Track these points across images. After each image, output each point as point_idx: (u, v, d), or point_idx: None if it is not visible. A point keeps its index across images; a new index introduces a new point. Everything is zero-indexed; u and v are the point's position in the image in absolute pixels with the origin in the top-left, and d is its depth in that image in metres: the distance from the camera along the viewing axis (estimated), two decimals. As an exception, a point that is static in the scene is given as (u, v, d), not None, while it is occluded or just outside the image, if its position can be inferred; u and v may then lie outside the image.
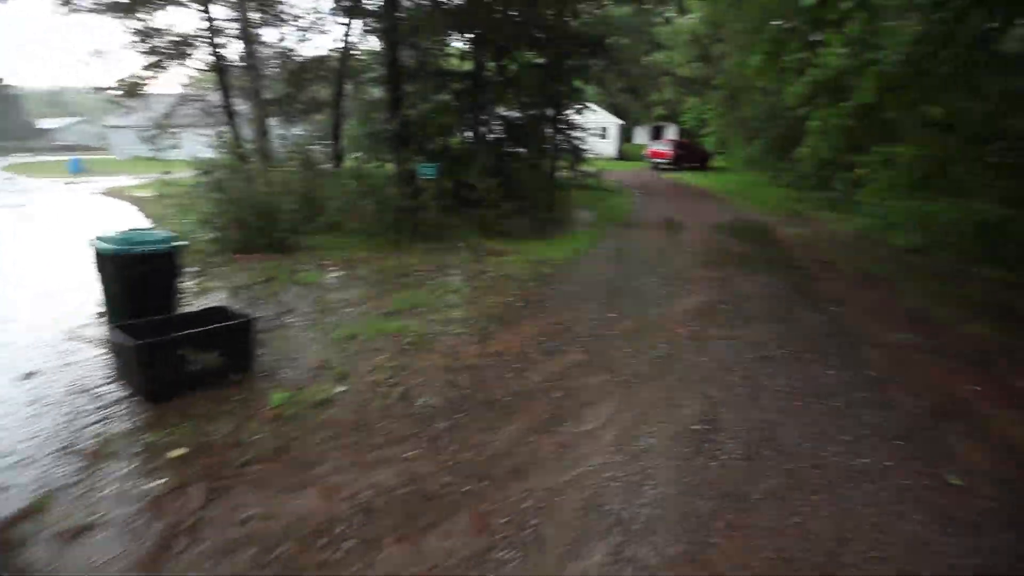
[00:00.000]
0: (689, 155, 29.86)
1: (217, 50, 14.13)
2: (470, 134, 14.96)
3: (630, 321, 5.95)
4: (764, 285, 7.67)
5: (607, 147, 35.18)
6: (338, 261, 8.43)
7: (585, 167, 21.59)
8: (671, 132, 39.25)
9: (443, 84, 14.07)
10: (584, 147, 21.73)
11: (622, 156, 36.28)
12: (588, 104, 19.55)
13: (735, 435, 3.63)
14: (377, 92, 14.74)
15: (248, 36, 15.46)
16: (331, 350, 4.79)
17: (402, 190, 10.92)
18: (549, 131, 15.51)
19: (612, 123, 35.43)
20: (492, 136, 14.36)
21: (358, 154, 13.95)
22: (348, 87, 17.44)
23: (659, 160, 29.95)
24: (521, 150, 14.48)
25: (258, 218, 8.52)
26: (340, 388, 4.01)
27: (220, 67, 14.33)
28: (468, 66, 14.60)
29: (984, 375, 4.89)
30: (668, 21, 27.66)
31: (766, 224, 13.78)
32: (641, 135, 42.11)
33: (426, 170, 10.75)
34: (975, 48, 8.64)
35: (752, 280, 7.95)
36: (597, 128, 34.74)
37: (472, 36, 14.11)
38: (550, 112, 17.09)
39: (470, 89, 13.96)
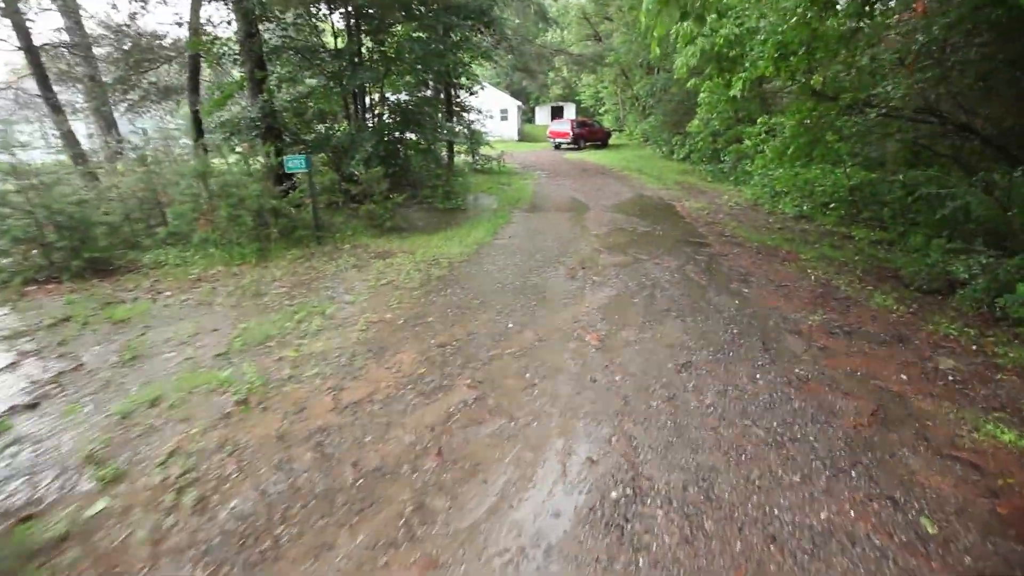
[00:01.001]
0: (589, 134, 29.57)
1: (23, 24, 11.30)
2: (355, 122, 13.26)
3: (532, 331, 4.92)
4: (673, 270, 6.98)
5: (508, 129, 34.18)
6: (179, 283, 6.70)
7: (486, 150, 20.50)
8: (571, 112, 39.00)
9: (315, 64, 12.21)
10: (483, 130, 20.69)
11: (524, 138, 35.46)
12: (483, 84, 18.31)
13: (665, 501, 2.69)
14: (237, 74, 12.58)
15: (68, 7, 12.65)
16: (113, 431, 3.32)
17: (268, 188, 9.17)
18: (443, 114, 14.11)
19: (512, 104, 34.41)
20: (379, 122, 12.75)
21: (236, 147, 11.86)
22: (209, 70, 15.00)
23: (560, 140, 29.42)
24: (412, 136, 13.01)
25: (64, 235, 6.55)
26: (98, 506, 2.60)
27: (30, 46, 11.52)
28: (343, 44, 12.80)
29: (907, 360, 4.38)
30: (556, -2, 26.86)
31: (666, 200, 13.41)
32: (543, 116, 41.53)
33: (294, 163, 9.06)
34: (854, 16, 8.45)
35: (661, 263, 7.25)
36: (497, 110, 33.60)
37: (344, 10, 12.33)
38: (442, 94, 15.70)
39: (347, 70, 12.22)
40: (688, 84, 10.91)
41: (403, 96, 14.09)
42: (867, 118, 7.74)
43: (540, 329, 4.97)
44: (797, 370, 4.19)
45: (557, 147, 29.48)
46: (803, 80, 9.71)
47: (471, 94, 15.60)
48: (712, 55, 9.91)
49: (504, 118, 34.04)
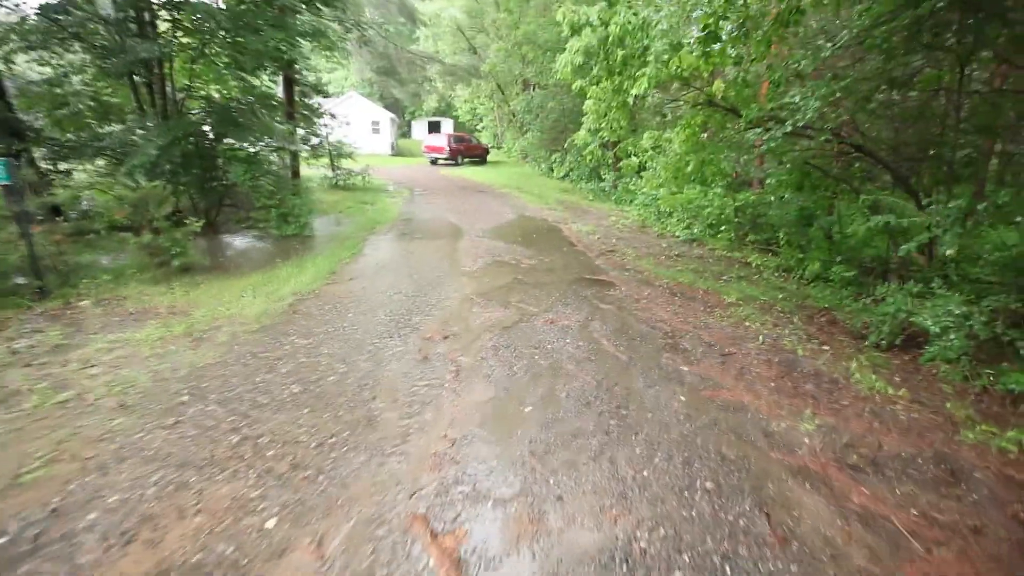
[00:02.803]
0: (467, 149, 27.46)
1: None
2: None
3: (316, 538, 2.31)
4: (576, 332, 4.76)
5: (380, 143, 30.92)
6: None
7: (348, 164, 17.33)
8: (449, 127, 36.75)
9: (70, 33, 8.41)
10: (345, 140, 17.48)
11: (399, 152, 32.42)
12: (347, 91, 15.27)
13: None
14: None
15: None
16: None
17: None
18: (281, 116, 10.86)
19: (384, 116, 31.22)
20: (179, 117, 9.20)
21: None
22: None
23: (436, 155, 26.93)
24: (242, 144, 9.61)
25: None
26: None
27: None
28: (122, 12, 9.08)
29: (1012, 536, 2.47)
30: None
31: (551, 221, 11.48)
32: (419, 131, 38.77)
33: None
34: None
35: (557, 320, 5.01)
36: (367, 121, 30.24)
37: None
38: (277, 91, 12.37)
39: (130, 47, 8.59)
40: (574, 86, 8.99)
41: (221, 91, 10.65)
42: (774, 134, 6.29)
43: (339, 524, 2.36)
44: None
45: (434, 163, 26.95)
46: (700, 88, 8.24)
47: (319, 92, 12.49)
48: (602, 51, 8.08)
49: (376, 131, 30.71)
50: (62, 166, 8.73)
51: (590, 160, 14.85)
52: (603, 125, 9.16)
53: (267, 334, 4.57)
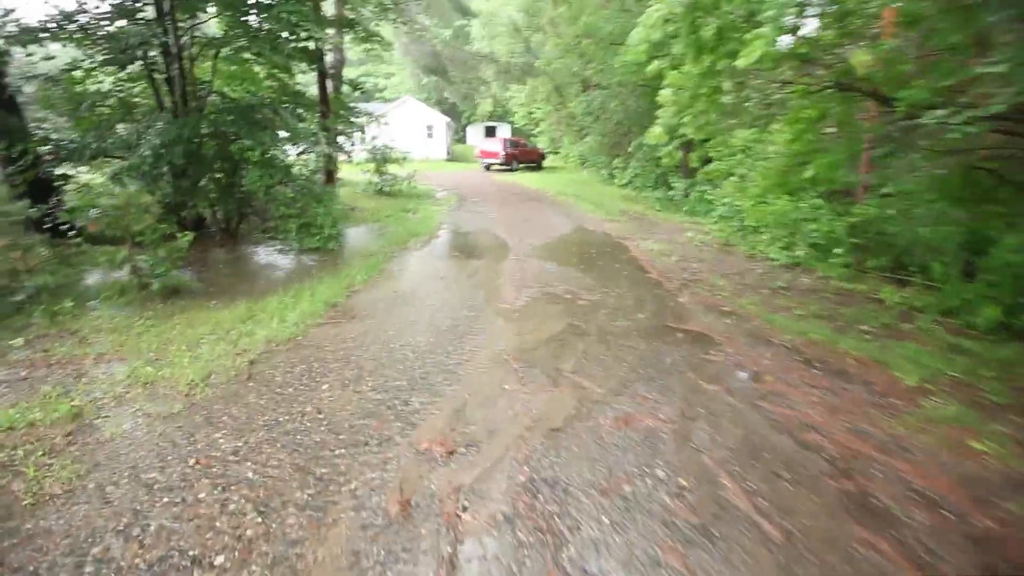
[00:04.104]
0: (522, 154, 25.70)
1: None
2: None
3: None
4: (673, 454, 2.79)
5: (435, 147, 29.76)
6: None
7: (395, 168, 15.99)
8: (505, 132, 35.23)
9: (71, 20, 7.32)
10: (392, 144, 16.17)
11: (454, 157, 31.20)
12: (393, 93, 13.95)
13: None
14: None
15: None
16: None
17: None
18: (303, 121, 9.48)
19: (439, 121, 30.06)
20: (194, 114, 7.95)
21: None
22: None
23: (490, 160, 25.35)
24: (260, 146, 8.25)
25: None
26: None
27: None
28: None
29: None
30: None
31: (615, 237, 9.45)
32: (475, 136, 37.52)
33: None
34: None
35: (635, 415, 3.07)
36: (421, 126, 29.19)
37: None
38: (309, 89, 11.09)
39: (134, 32, 7.43)
40: (648, 70, 6.95)
41: (244, 88, 9.43)
42: (959, 126, 4.05)
43: None
44: None
45: (487, 168, 25.41)
46: (829, 65, 6.02)
47: (356, 89, 11.06)
48: (689, 22, 6.05)
49: (430, 135, 29.59)
50: (58, 170, 7.64)
51: (664, 163, 12.52)
52: (685, 120, 7.07)
53: (182, 425, 2.91)
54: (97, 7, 7.61)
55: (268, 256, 8.00)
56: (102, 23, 7.58)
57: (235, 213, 8.83)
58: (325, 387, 3.43)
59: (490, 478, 2.49)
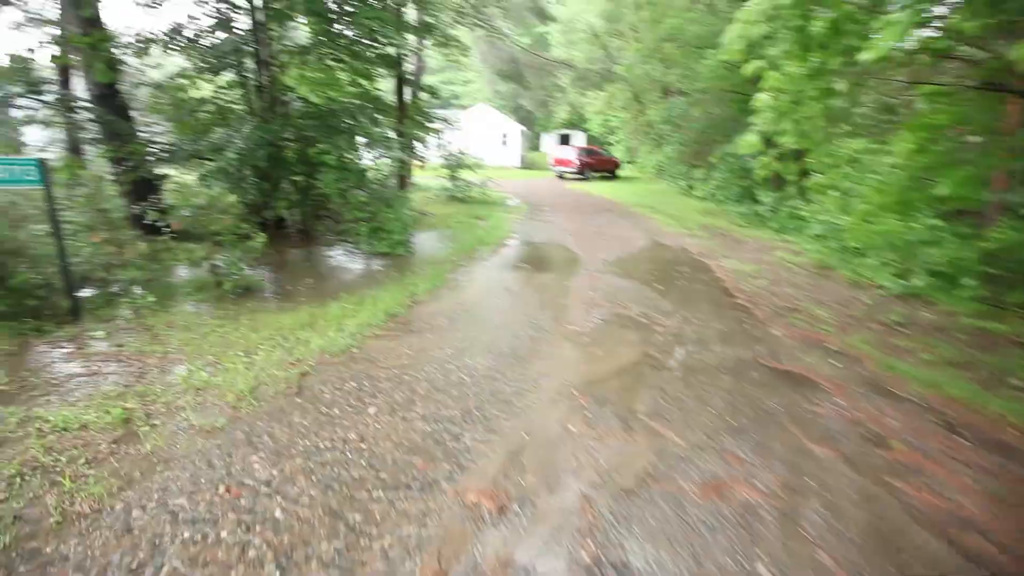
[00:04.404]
0: (597, 163, 25.05)
1: None
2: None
3: None
4: (770, 538, 2.22)
5: (509, 155, 29.79)
6: None
7: (467, 175, 15.99)
8: (580, 140, 34.70)
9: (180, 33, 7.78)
10: (463, 151, 16.19)
11: (527, 165, 31.08)
12: (459, 100, 13.97)
13: None
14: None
15: None
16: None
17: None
18: (378, 125, 9.54)
19: (514, 129, 30.09)
20: (277, 118, 8.21)
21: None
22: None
23: (563, 169, 24.92)
24: (337, 150, 8.37)
25: None
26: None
27: None
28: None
29: None
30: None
31: (695, 254, 8.68)
32: (550, 144, 37.28)
33: (6, 171, 4.52)
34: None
35: (727, 481, 2.51)
36: (496, 133, 29.33)
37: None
38: (388, 95, 11.21)
39: (226, 41, 7.80)
40: (745, 70, 6.24)
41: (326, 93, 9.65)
42: None
43: None
44: None
45: (561, 177, 25.00)
46: (971, 61, 5.07)
47: (432, 94, 11.05)
48: (797, 16, 5.35)
49: (504, 143, 29.67)
50: (159, 171, 8.12)
51: (756, 175, 11.42)
52: (785, 127, 6.28)
53: (222, 443, 2.72)
54: (197, 19, 8.06)
55: (339, 258, 8.05)
56: (204, 35, 8.01)
57: (311, 215, 9.03)
58: (372, 410, 3.15)
59: (547, 552, 2.05)
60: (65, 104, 7.07)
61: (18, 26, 7.91)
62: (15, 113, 6.59)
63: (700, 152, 18.48)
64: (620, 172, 26.43)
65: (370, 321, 4.76)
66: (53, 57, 7.83)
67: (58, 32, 7.88)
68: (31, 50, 7.46)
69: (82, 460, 2.54)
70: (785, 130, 6.20)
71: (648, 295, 6.06)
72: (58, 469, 2.46)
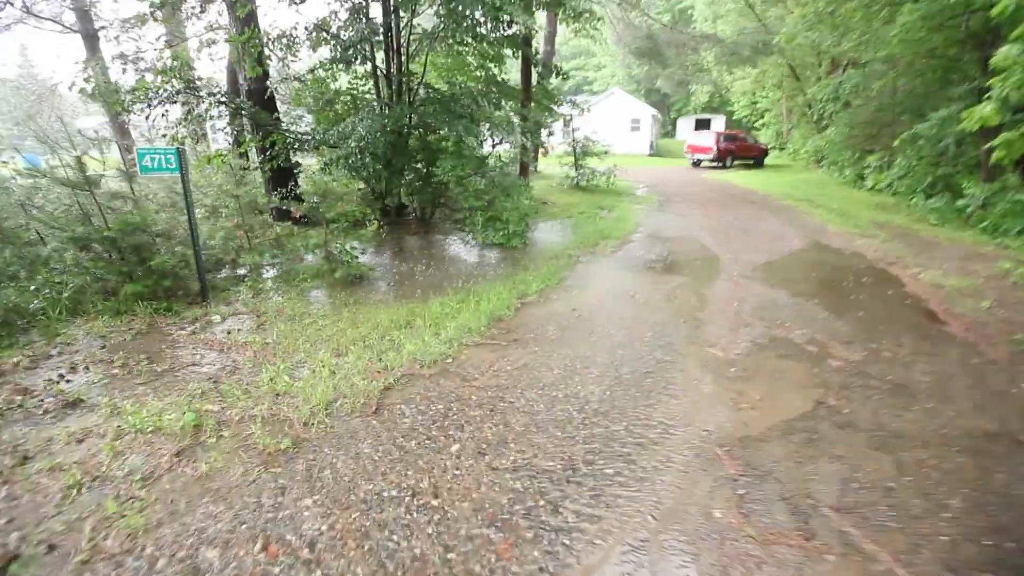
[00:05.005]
0: (739, 150, 22.18)
1: None
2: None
3: None
4: None
5: (639, 142, 27.85)
6: None
7: (593, 163, 14.96)
8: (719, 125, 31.38)
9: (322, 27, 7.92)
10: (594, 137, 15.13)
11: (658, 153, 28.86)
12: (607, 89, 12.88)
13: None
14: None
15: None
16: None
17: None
18: (500, 109, 8.98)
19: (645, 113, 27.97)
20: (403, 104, 8.06)
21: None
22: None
23: (700, 156, 22.46)
24: (459, 135, 8.03)
25: None
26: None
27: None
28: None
29: None
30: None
31: (871, 259, 6.83)
32: (685, 129, 34.33)
33: (151, 161, 4.71)
34: None
35: None
36: (626, 119, 27.59)
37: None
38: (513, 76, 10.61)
39: (357, 26, 7.76)
40: (999, 8, 4.46)
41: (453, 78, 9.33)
42: None
43: None
44: None
45: (696, 164, 22.63)
46: None
47: (559, 75, 10.19)
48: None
49: (635, 128, 27.75)
50: (296, 159, 8.46)
51: (996, 156, 8.43)
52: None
53: (279, 473, 2.28)
54: (335, 12, 8.14)
55: (453, 247, 7.73)
56: (344, 27, 8.08)
57: (429, 202, 8.86)
58: (455, 448, 2.53)
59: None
60: (228, 100, 7.54)
61: (204, 39, 8.59)
62: (175, 109, 7.16)
63: (876, 135, 15.29)
64: (767, 160, 23.24)
65: (471, 325, 4.19)
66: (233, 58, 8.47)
67: (224, 35, 8.51)
68: (199, 52, 8.19)
69: (138, 476, 2.26)
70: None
71: (814, 313, 4.69)
72: (112, 484, 2.21)
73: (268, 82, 8.45)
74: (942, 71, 12.46)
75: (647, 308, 4.79)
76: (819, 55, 19.79)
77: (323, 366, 3.37)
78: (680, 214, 10.79)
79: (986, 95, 5.10)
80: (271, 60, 8.39)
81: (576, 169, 14.83)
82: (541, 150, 11.75)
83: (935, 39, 11.59)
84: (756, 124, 28.87)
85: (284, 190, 7.24)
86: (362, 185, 8.88)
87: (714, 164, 22.08)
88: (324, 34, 7.92)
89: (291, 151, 8.26)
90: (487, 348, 3.80)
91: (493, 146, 8.96)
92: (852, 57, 16.71)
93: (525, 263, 6.59)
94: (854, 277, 6.03)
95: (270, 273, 5.95)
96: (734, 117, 30.84)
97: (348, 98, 9.45)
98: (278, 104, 9.20)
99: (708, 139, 22.37)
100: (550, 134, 10.42)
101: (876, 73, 14.84)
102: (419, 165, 8.75)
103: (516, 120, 8.55)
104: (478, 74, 9.93)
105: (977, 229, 9.50)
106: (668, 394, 3.11)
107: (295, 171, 8.53)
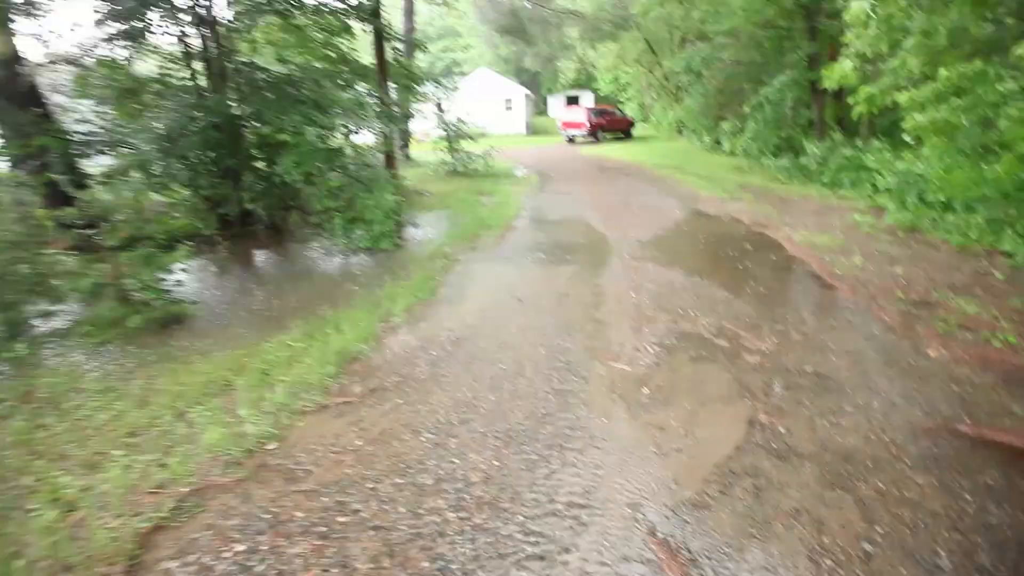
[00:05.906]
0: (609, 123, 22.59)
1: None
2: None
3: None
4: None
5: (514, 121, 27.35)
6: None
7: (468, 146, 13.97)
8: (588, 101, 31.93)
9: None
10: (466, 120, 14.10)
11: (534, 131, 28.64)
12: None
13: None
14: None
15: None
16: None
17: None
18: (348, 93, 7.62)
19: (518, 93, 27.52)
20: (216, 95, 6.39)
21: None
22: None
23: (574, 132, 22.50)
24: (298, 125, 6.53)
25: None
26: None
27: None
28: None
29: None
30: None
31: (747, 223, 6.76)
32: (556, 107, 34.54)
33: None
34: None
35: None
36: (499, 99, 26.90)
37: None
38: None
39: None
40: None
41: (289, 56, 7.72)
42: None
43: None
44: None
45: (571, 140, 22.65)
46: None
47: (417, 47, 9.00)
48: None
49: (509, 108, 27.18)
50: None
51: (858, 112, 8.29)
52: (907, 44, 4.26)
53: None
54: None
55: (309, 258, 6.38)
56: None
57: (278, 207, 7.31)
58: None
59: None
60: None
61: None
62: None
63: (728, 103, 16.16)
64: (634, 132, 23.98)
65: (312, 377, 3.06)
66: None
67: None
68: None
69: None
70: (904, 49, 4.17)
71: (714, 293, 4.24)
72: None
73: (22, 67, 6.26)
74: (778, 40, 13.28)
75: (537, 314, 4.00)
76: (671, 30, 20.53)
77: (55, 498, 2.08)
78: (562, 192, 10.28)
79: (843, 53, 4.99)
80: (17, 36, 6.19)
81: (452, 154, 13.75)
82: (413, 137, 10.51)
83: (769, 11, 12.23)
84: (621, 98, 29.78)
85: (56, 210, 5.32)
86: (187, 192, 7.05)
87: (588, 139, 22.24)
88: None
89: (72, 157, 6.24)
90: (331, 413, 2.73)
91: (347, 135, 7.57)
92: (701, 30, 17.40)
93: (395, 269, 5.48)
94: (738, 244, 5.79)
95: (45, 328, 4.24)
96: (600, 93, 31.57)
97: (159, 86, 7.43)
98: (50, 96, 6.96)
99: (580, 115, 22.45)
100: (422, 116, 9.19)
101: (722, 45, 15.52)
102: (259, 164, 7.16)
103: (371, 102, 7.24)
104: (329, 53, 8.35)
105: (819, 184, 10.10)
106: (574, 450, 2.31)
107: (82, 182, 6.47)
